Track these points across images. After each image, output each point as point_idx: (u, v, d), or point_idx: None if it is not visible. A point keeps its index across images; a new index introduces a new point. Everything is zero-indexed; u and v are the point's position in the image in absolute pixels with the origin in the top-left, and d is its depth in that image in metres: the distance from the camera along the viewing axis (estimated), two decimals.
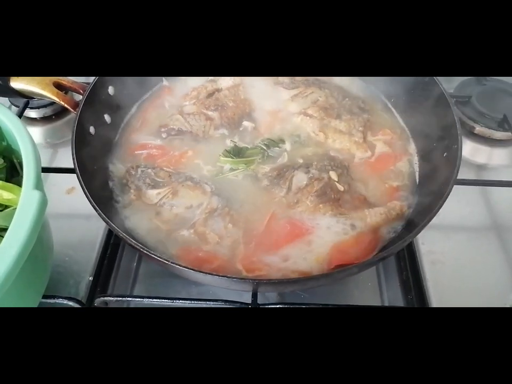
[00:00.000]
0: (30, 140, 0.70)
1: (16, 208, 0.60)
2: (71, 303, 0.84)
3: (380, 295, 0.94)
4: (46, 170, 1.03)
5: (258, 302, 0.81)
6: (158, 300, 0.84)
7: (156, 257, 0.69)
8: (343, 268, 0.73)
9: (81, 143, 0.84)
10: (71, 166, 0.79)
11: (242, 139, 0.98)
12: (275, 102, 1.05)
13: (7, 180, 0.75)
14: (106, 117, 0.98)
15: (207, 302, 0.82)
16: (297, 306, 0.83)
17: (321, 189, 0.86)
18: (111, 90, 0.99)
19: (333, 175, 0.88)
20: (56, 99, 0.90)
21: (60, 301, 0.83)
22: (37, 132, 1.24)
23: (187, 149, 0.97)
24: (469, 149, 1.19)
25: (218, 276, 0.67)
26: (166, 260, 0.69)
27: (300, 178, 0.88)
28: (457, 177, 0.78)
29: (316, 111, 1.00)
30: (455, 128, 0.85)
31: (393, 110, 1.06)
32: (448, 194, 0.75)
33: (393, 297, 0.93)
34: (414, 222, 0.82)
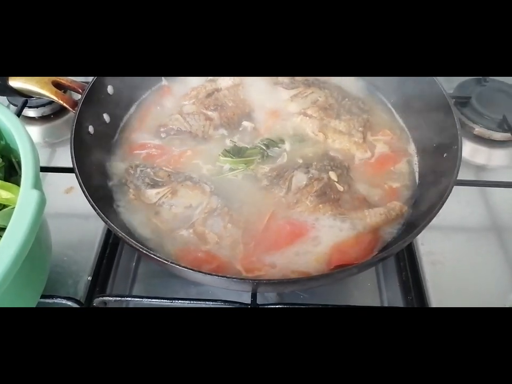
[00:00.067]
0: (28, 139, 0.70)
1: (14, 208, 0.59)
2: (69, 303, 0.83)
3: (380, 295, 0.94)
4: (44, 169, 1.03)
5: (257, 302, 0.81)
6: (157, 300, 0.84)
7: (155, 257, 0.69)
8: (343, 268, 0.73)
9: (80, 142, 0.84)
10: (70, 165, 0.79)
11: (242, 139, 0.98)
12: (275, 102, 1.05)
13: (5, 179, 0.74)
14: (105, 116, 0.98)
15: (206, 302, 0.82)
16: (296, 306, 0.83)
17: (321, 189, 0.86)
18: (110, 89, 0.98)
19: (333, 175, 0.88)
20: (55, 98, 0.90)
21: (58, 300, 0.83)
22: (35, 131, 1.23)
23: (186, 148, 0.97)
24: (469, 150, 1.19)
25: (218, 276, 0.67)
26: (165, 260, 0.68)
27: (300, 178, 0.88)
28: (457, 178, 0.78)
29: (315, 111, 1.00)
30: (455, 129, 0.85)
31: (393, 110, 1.06)
32: (448, 195, 0.75)
33: (393, 297, 0.93)
34: (413, 223, 0.82)
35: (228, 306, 0.81)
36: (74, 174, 0.77)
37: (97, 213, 0.72)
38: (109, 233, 0.97)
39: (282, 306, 0.83)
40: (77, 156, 0.80)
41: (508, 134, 1.17)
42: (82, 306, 0.84)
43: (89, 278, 0.90)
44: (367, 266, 0.80)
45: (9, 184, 0.71)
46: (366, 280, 0.96)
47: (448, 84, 1.22)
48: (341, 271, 0.73)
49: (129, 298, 0.90)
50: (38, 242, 0.68)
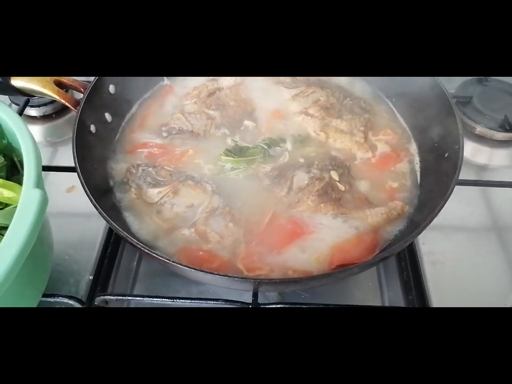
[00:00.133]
0: (30, 138, 0.70)
1: (16, 207, 0.60)
2: (71, 302, 0.84)
3: (381, 295, 0.94)
4: (46, 168, 1.03)
5: (258, 301, 0.81)
6: (158, 299, 0.84)
7: (156, 256, 0.69)
8: (344, 268, 0.73)
9: (82, 141, 0.84)
10: (71, 164, 0.79)
11: (243, 138, 0.98)
12: (276, 102, 1.05)
13: (7, 178, 0.75)
14: (107, 116, 0.98)
15: (208, 301, 0.82)
16: (297, 306, 0.83)
17: (322, 189, 0.86)
18: (112, 88, 0.99)
19: (334, 175, 0.88)
20: (57, 97, 0.90)
21: (60, 299, 0.83)
22: (37, 130, 1.23)
23: (188, 148, 0.97)
24: (470, 150, 1.19)
25: (219, 275, 0.67)
26: (167, 259, 0.68)
27: (301, 177, 0.88)
28: (458, 178, 0.78)
29: (317, 110, 1.00)
30: (456, 129, 0.85)
31: (395, 110, 1.06)
32: (449, 195, 0.75)
33: (394, 297, 0.93)
34: (415, 222, 0.82)
35: (229, 306, 0.81)
36: (76, 173, 0.78)
37: (99, 212, 0.72)
38: (110, 232, 0.97)
39: (284, 305, 0.83)
40: (79, 155, 0.80)
41: (510, 134, 1.17)
42: (83, 306, 0.84)
43: (91, 277, 0.91)
44: (368, 266, 0.80)
45: (11, 183, 0.71)
46: (367, 280, 0.96)
47: (450, 84, 1.21)
48: (342, 270, 0.73)
49: (130, 298, 0.90)
50: (40, 241, 0.68)
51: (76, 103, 0.90)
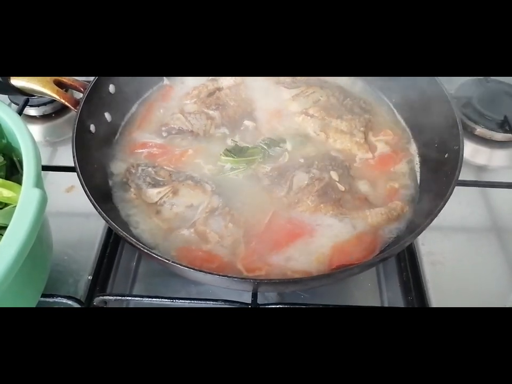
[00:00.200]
0: (30, 137, 0.70)
1: (16, 206, 0.60)
2: (70, 302, 0.83)
3: (380, 295, 0.94)
4: (45, 168, 1.03)
5: (258, 302, 0.81)
6: (158, 299, 0.84)
7: (155, 256, 0.69)
8: (344, 268, 0.73)
9: (81, 141, 0.84)
10: (71, 164, 0.79)
11: (243, 138, 0.98)
12: (276, 102, 1.05)
13: (7, 178, 0.74)
14: (107, 115, 0.98)
15: (207, 302, 0.82)
16: (297, 306, 0.83)
17: (322, 189, 0.86)
18: (111, 88, 0.98)
19: (334, 175, 0.88)
20: (57, 97, 0.90)
21: (59, 299, 0.83)
22: (36, 130, 1.23)
23: (188, 148, 0.96)
24: (469, 150, 1.19)
25: (219, 275, 0.67)
26: (166, 259, 0.68)
27: (301, 178, 0.88)
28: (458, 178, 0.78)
29: (317, 110, 1.00)
30: (456, 129, 0.85)
31: (395, 110, 1.06)
32: (449, 195, 0.75)
33: (393, 297, 0.93)
34: (415, 223, 0.82)
35: (228, 306, 0.81)
36: (75, 173, 0.77)
37: (98, 212, 0.72)
38: (109, 232, 0.97)
39: (283, 306, 0.83)
40: (79, 155, 0.80)
41: (509, 135, 1.17)
42: (82, 306, 0.84)
43: (90, 277, 0.91)
44: (368, 266, 0.80)
45: (11, 182, 0.71)
46: (367, 280, 0.96)
47: (450, 84, 1.21)
48: (341, 271, 0.73)
49: (129, 298, 0.90)
50: (39, 241, 0.68)
51: (76, 103, 0.90)
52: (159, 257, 0.69)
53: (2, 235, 0.57)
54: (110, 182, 0.91)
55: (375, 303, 0.93)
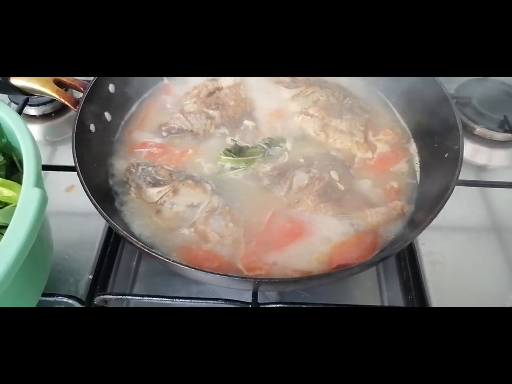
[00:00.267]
0: (30, 137, 0.70)
1: (16, 206, 0.60)
2: (70, 301, 0.83)
3: (380, 295, 0.94)
4: (45, 168, 1.02)
5: (258, 301, 0.81)
6: (158, 299, 0.84)
7: (156, 255, 0.69)
8: (344, 268, 0.73)
9: (81, 140, 0.84)
10: (71, 163, 0.79)
11: (243, 138, 0.98)
12: (276, 101, 1.05)
13: (7, 177, 0.74)
14: (107, 115, 0.98)
15: (207, 301, 0.82)
16: (297, 305, 0.83)
17: (322, 189, 0.86)
18: (111, 88, 0.98)
19: (334, 175, 0.88)
20: (57, 96, 0.89)
21: (59, 299, 0.83)
22: (36, 129, 1.23)
23: (188, 147, 0.97)
24: (469, 150, 1.19)
25: (219, 274, 0.67)
26: (167, 258, 0.68)
27: (301, 177, 0.88)
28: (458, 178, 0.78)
29: (316, 110, 1.00)
30: (456, 129, 0.85)
31: (394, 110, 1.06)
32: (449, 195, 0.75)
33: (393, 297, 0.93)
34: (415, 222, 0.82)
35: (228, 305, 0.81)
36: (75, 172, 0.77)
37: (99, 211, 0.72)
38: (110, 232, 0.97)
39: (283, 305, 0.83)
40: (79, 154, 0.80)
41: (509, 134, 1.17)
42: (83, 305, 0.84)
43: (90, 277, 0.91)
44: (368, 265, 0.80)
45: (11, 182, 0.71)
46: (367, 280, 0.96)
47: (449, 84, 1.22)
48: (342, 270, 0.73)
49: (130, 297, 0.90)
50: (39, 241, 0.68)
51: (76, 102, 0.90)
52: (160, 257, 0.69)
53: (3, 234, 0.57)
54: (110, 182, 0.91)
55: (375, 302, 0.93)
